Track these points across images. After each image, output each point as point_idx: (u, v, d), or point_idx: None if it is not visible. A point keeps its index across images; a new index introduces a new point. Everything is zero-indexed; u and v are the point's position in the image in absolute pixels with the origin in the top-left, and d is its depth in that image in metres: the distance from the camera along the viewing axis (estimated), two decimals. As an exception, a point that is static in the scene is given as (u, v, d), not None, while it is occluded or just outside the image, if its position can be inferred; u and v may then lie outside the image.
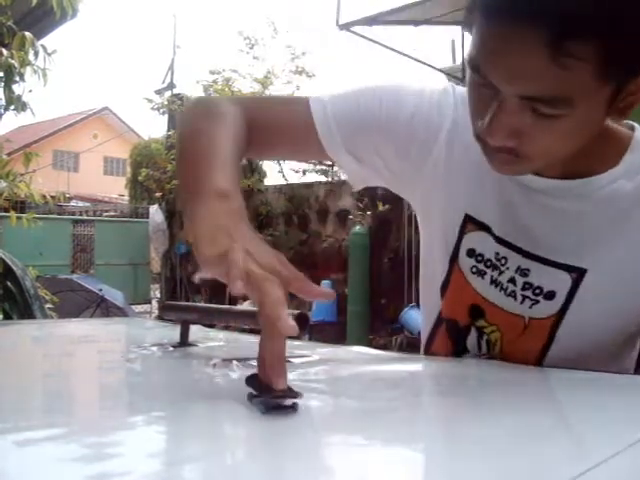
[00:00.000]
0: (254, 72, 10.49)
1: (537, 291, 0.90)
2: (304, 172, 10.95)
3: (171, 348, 0.97)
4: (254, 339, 1.05)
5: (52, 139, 24.18)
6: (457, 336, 0.99)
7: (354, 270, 8.06)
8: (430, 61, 9.60)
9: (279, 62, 11.23)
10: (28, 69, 3.07)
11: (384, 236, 8.29)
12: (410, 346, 7.11)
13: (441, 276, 0.98)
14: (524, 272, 0.90)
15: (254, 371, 0.79)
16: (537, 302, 0.90)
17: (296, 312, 0.83)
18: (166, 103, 11.70)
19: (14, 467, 0.45)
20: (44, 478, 0.43)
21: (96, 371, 0.96)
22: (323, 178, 10.77)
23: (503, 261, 0.92)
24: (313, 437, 0.57)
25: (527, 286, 0.90)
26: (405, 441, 0.54)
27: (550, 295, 0.89)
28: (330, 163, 11.35)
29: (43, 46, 3.06)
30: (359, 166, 0.96)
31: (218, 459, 0.49)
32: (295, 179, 10.98)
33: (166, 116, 11.82)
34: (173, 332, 1.05)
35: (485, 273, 0.93)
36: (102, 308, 7.45)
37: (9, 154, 3.69)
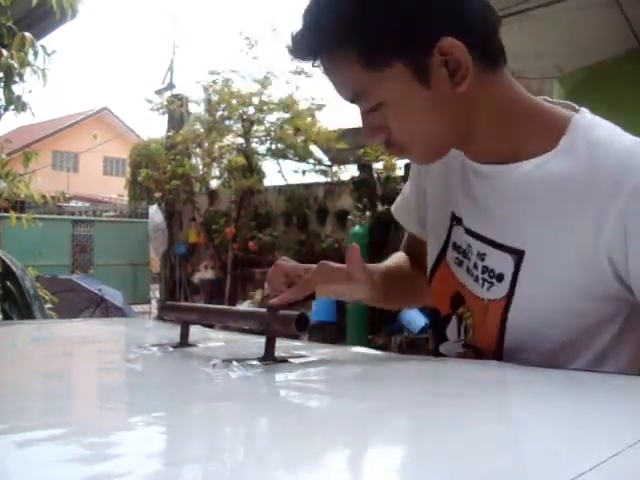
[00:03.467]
0: (253, 72, 10.48)
1: (491, 274, 0.94)
2: (304, 172, 10.96)
3: (171, 348, 0.97)
4: (254, 339, 1.05)
5: (52, 139, 24.17)
6: (438, 325, 1.06)
7: (354, 270, 8.06)
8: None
9: (278, 62, 11.23)
10: (28, 69, 3.06)
11: (383, 236, 8.29)
12: (410, 346, 7.11)
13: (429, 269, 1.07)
14: (482, 256, 0.96)
15: (254, 371, 0.79)
16: (492, 284, 0.94)
17: (296, 313, 0.83)
18: (166, 103, 11.70)
19: (14, 467, 0.45)
20: (44, 478, 0.43)
21: (96, 371, 0.96)
22: (322, 178, 10.77)
23: (470, 248, 0.98)
24: (313, 437, 0.57)
25: (484, 269, 0.95)
26: (405, 441, 0.54)
27: (500, 277, 0.93)
28: (329, 163, 11.38)
29: (43, 46, 3.06)
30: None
31: (218, 459, 0.49)
32: (294, 179, 10.98)
33: (166, 116, 11.83)
34: (173, 332, 1.05)
35: (462, 262, 1.00)
36: (102, 308, 7.45)
37: (9, 154, 3.69)
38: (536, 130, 0.91)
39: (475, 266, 0.97)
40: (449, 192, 1.03)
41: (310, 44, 0.87)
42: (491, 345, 0.95)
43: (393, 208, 1.21)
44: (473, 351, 0.99)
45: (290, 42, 0.88)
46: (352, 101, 0.90)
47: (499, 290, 0.93)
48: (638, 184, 0.83)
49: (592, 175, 0.86)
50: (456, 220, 1.01)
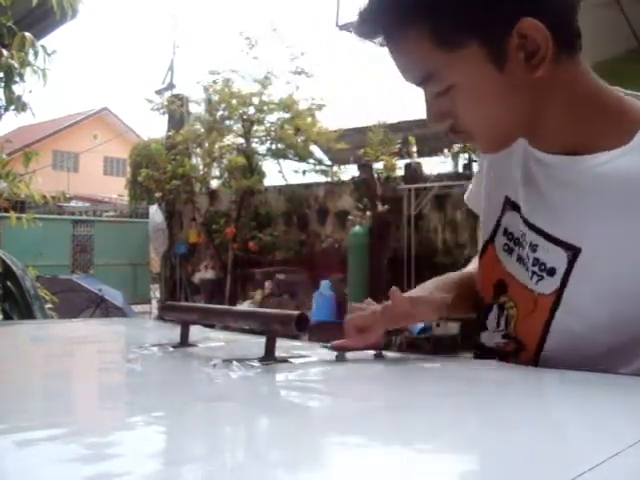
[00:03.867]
0: (254, 72, 10.48)
1: (542, 267, 0.89)
2: (304, 172, 10.95)
3: (171, 348, 0.97)
4: (254, 339, 1.05)
5: (52, 139, 24.18)
6: (480, 314, 1.01)
7: (354, 270, 8.07)
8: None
9: (279, 62, 11.23)
10: (28, 69, 3.06)
11: (383, 236, 8.29)
12: (410, 346, 7.11)
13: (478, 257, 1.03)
14: (534, 247, 0.90)
15: (254, 371, 0.79)
16: (542, 278, 0.89)
17: (296, 312, 0.83)
18: (166, 103, 11.70)
19: (14, 467, 0.45)
20: (44, 478, 0.43)
21: (96, 371, 0.97)
22: (323, 178, 10.76)
23: (524, 237, 0.93)
24: (313, 437, 0.57)
25: (535, 262, 0.90)
26: (405, 441, 0.54)
27: (551, 272, 0.88)
28: (330, 163, 11.38)
29: (43, 46, 3.05)
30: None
31: (218, 459, 0.49)
32: (295, 179, 10.98)
33: (166, 116, 11.82)
34: (173, 332, 1.05)
35: (513, 250, 0.95)
36: (102, 308, 7.45)
37: (9, 154, 3.69)
38: (611, 122, 0.86)
39: (527, 256, 0.92)
40: (506, 174, 0.97)
41: (379, 22, 0.82)
42: (534, 339, 0.91)
43: (466, 196, 1.14)
44: (515, 343, 0.95)
45: (356, 19, 0.83)
46: (419, 84, 0.85)
47: (549, 285, 0.88)
48: None
49: None
50: (510, 205, 0.96)
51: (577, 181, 0.87)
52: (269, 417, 0.63)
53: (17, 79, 3.07)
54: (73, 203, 16.49)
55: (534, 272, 0.91)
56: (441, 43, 0.80)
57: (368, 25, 0.84)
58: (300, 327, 0.82)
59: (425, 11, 0.79)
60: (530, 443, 0.52)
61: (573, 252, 0.86)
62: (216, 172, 11.46)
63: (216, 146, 10.81)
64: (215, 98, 10.70)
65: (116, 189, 19.38)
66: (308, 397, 0.71)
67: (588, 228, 0.86)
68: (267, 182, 11.02)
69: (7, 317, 3.11)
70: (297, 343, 1.06)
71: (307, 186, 10.07)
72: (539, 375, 0.86)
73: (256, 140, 10.79)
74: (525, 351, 0.92)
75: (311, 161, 11.19)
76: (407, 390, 0.77)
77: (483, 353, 1.01)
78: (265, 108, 10.45)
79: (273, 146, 10.80)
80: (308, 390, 0.74)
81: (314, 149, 11.05)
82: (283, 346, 0.90)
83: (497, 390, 0.78)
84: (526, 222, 0.92)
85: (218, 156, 10.98)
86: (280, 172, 11.34)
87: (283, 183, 10.93)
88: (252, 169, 10.55)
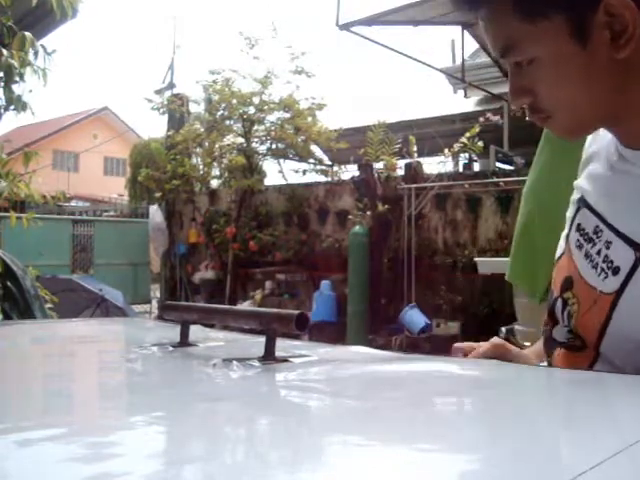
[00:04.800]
0: (254, 72, 10.47)
1: (609, 264, 0.87)
2: (304, 172, 10.95)
3: (171, 348, 0.97)
4: (254, 339, 1.05)
5: (52, 139, 24.20)
6: (550, 307, 1.00)
7: (354, 270, 8.07)
8: (429, 61, 9.63)
9: (279, 62, 11.23)
10: (28, 69, 3.07)
11: (383, 236, 8.29)
12: (410, 346, 7.12)
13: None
14: (608, 245, 0.87)
15: (254, 371, 0.80)
16: (607, 276, 0.87)
17: (296, 312, 0.83)
18: (166, 103, 11.70)
19: (14, 467, 0.45)
20: (44, 478, 0.43)
21: (96, 371, 0.97)
22: (323, 178, 10.76)
23: (600, 234, 0.90)
24: (313, 437, 0.57)
25: (605, 258, 0.87)
26: (405, 441, 0.54)
27: (616, 270, 0.85)
28: (330, 163, 11.38)
29: (43, 46, 3.06)
30: None
31: (218, 459, 0.49)
32: (295, 179, 10.98)
33: (166, 116, 11.82)
34: (173, 332, 1.05)
35: (582, 246, 0.92)
36: (102, 308, 7.45)
37: (9, 154, 3.69)
38: None
39: (598, 253, 0.89)
40: (590, 169, 0.94)
41: None
42: (593, 339, 0.88)
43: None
44: (580, 340, 0.92)
45: None
46: (501, 55, 0.85)
47: (611, 284, 0.85)
48: None
49: None
50: (583, 201, 0.94)
51: None
52: (269, 417, 0.63)
53: (17, 79, 3.08)
54: (73, 203, 16.50)
55: (602, 269, 0.87)
56: (524, 14, 0.79)
57: None
58: (300, 327, 0.82)
59: None
60: (530, 442, 0.52)
61: None
62: (216, 172, 11.47)
63: (216, 146, 10.81)
64: (215, 98, 10.69)
65: (116, 189, 19.40)
66: (308, 397, 0.71)
67: None
68: (267, 182, 11.04)
69: (7, 317, 3.12)
70: (297, 343, 1.06)
71: (307, 186, 10.06)
72: (539, 374, 0.86)
73: (256, 140, 10.79)
74: (587, 349, 0.89)
75: (311, 161, 11.19)
76: (407, 390, 0.77)
77: (551, 348, 0.98)
78: (265, 108, 10.45)
79: (273, 146, 10.80)
80: (308, 390, 0.74)
81: (314, 149, 11.06)
82: (283, 346, 0.89)
83: (498, 390, 0.78)
84: (600, 217, 0.89)
85: (218, 156, 10.98)
86: (280, 172, 11.36)
87: (283, 183, 10.93)
88: (252, 169, 10.55)
